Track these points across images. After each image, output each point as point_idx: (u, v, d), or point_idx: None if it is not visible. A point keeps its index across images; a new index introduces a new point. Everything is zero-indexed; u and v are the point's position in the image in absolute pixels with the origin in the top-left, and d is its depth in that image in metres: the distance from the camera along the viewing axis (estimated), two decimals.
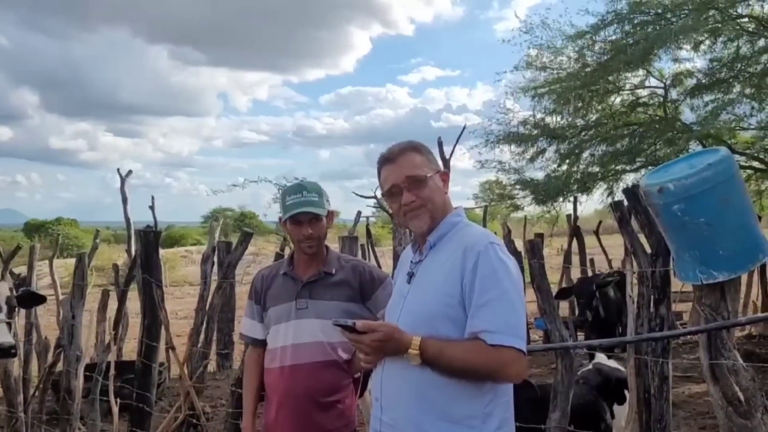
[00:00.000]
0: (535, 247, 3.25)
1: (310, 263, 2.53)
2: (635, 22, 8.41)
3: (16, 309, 4.60)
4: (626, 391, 3.66)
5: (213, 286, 4.90)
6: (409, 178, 1.94)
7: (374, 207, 7.96)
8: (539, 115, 9.67)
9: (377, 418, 1.97)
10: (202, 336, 4.62)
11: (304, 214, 2.45)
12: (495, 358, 1.76)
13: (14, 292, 4.58)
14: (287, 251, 7.07)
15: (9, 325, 4.37)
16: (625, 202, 3.20)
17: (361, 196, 6.03)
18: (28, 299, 4.82)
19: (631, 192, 3.09)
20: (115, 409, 4.55)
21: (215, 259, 5.49)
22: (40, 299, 4.96)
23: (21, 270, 7.41)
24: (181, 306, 14.82)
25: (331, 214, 2.56)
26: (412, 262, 2.04)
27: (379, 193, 6.00)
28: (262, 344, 2.59)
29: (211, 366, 6.20)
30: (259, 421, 2.65)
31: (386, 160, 2.01)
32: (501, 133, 9.78)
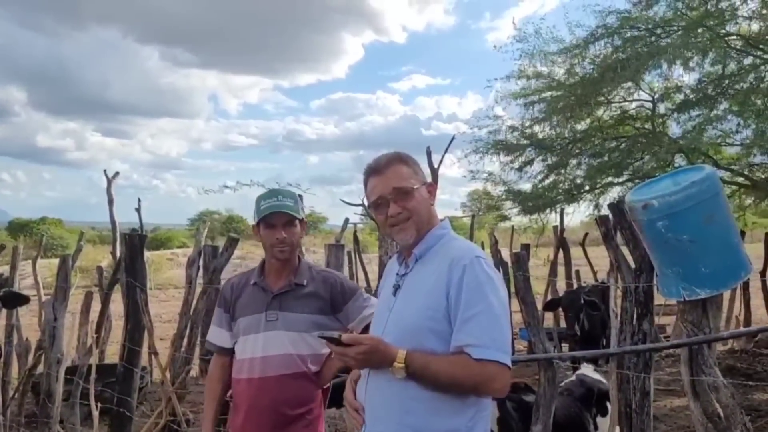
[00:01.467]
0: (520, 259, 3.26)
1: (281, 273, 2.50)
2: (626, 36, 8.49)
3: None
4: (608, 404, 3.68)
5: (198, 290, 4.86)
6: (396, 190, 1.94)
7: (362, 214, 7.96)
8: (528, 123, 9.73)
9: (361, 429, 1.97)
10: (185, 341, 4.59)
11: (278, 216, 2.42)
12: (480, 372, 1.76)
13: None
14: None
15: None
16: (611, 217, 3.22)
17: (349, 203, 6.02)
18: (11, 300, 4.77)
19: (616, 207, 3.12)
20: (96, 413, 4.50)
21: (201, 263, 5.45)
22: (23, 300, 4.90)
23: (3, 270, 7.33)
24: (165, 309, 14.70)
25: (304, 224, 2.54)
26: (397, 274, 2.04)
27: (366, 201, 5.99)
28: (227, 353, 2.56)
29: (194, 371, 6.14)
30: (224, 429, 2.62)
31: (373, 171, 2.00)
32: (490, 140, 9.81)
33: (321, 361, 2.48)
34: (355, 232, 10.93)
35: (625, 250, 3.20)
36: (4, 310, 4.96)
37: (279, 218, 2.43)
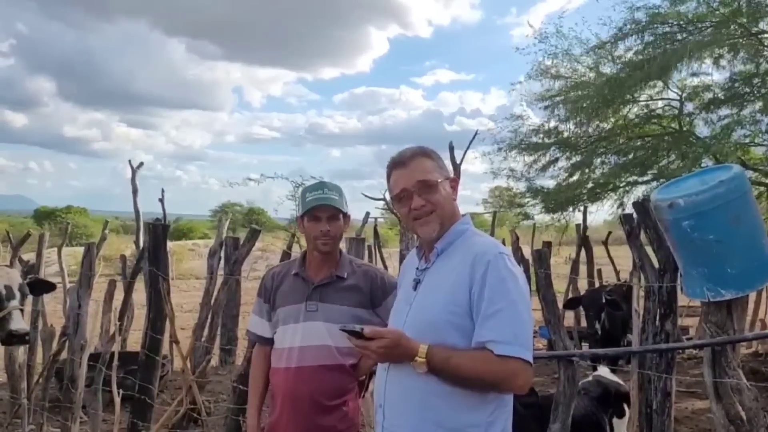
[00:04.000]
0: (542, 256, 3.24)
1: (323, 265, 2.52)
2: (656, 33, 8.35)
3: (28, 296, 4.64)
4: (625, 405, 3.64)
5: (219, 280, 4.91)
6: (420, 183, 1.93)
7: (383, 209, 7.94)
8: (552, 123, 9.64)
9: (380, 424, 1.97)
10: (206, 331, 4.64)
11: (323, 209, 2.44)
12: (502, 368, 1.76)
13: (24, 279, 4.62)
14: (295, 249, 7.07)
15: (22, 311, 4.42)
16: (635, 216, 3.18)
17: (371, 197, 6.02)
18: (39, 287, 4.85)
19: (641, 206, 3.08)
20: (117, 400, 4.56)
21: (222, 254, 5.50)
22: (50, 287, 4.99)
23: (29, 257, 7.46)
24: (186, 299, 14.85)
25: (347, 218, 2.55)
26: (418, 269, 2.03)
27: (388, 196, 6.00)
28: (268, 342, 2.59)
29: (214, 360, 6.22)
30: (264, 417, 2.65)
31: (397, 164, 2.00)
32: (513, 140, 9.73)
33: (358, 354, 2.49)
34: (375, 226, 10.93)
35: (648, 250, 3.16)
36: (31, 297, 5.04)
37: (324, 211, 2.44)
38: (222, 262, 5.30)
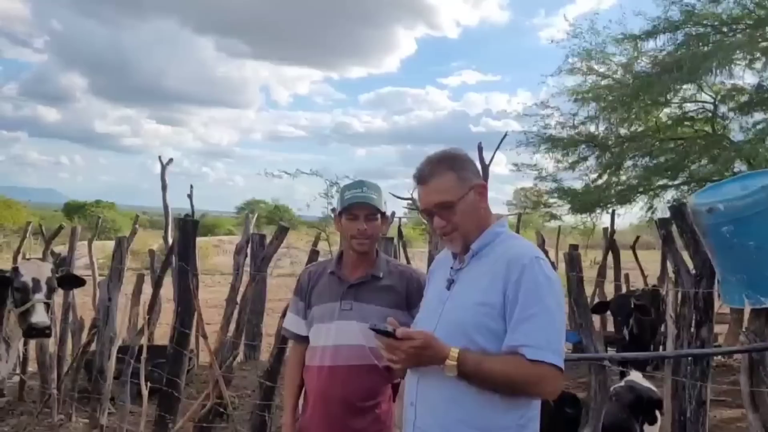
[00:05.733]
0: (573, 259, 3.20)
1: (359, 264, 2.50)
2: (691, 33, 8.20)
3: (56, 290, 4.72)
4: (658, 412, 3.58)
5: (245, 277, 4.94)
6: (438, 205, 1.93)
7: (409, 208, 7.91)
8: (581, 120, 9.49)
9: (411, 422, 1.97)
10: (233, 326, 4.67)
11: (361, 207, 2.42)
12: (534, 373, 1.75)
13: (55, 273, 4.69)
14: (322, 247, 7.07)
15: (47, 305, 4.48)
16: (671, 220, 3.13)
17: (399, 197, 6.01)
18: (69, 281, 4.93)
19: (678, 210, 3.02)
20: (145, 392, 4.62)
21: (248, 250, 5.53)
22: (80, 282, 5.06)
23: (60, 250, 7.58)
24: (211, 295, 14.96)
25: (385, 218, 2.54)
26: (452, 268, 2.02)
27: (416, 194, 5.99)
28: (304, 340, 2.57)
29: (239, 356, 6.24)
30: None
31: (418, 181, 1.99)
32: (541, 133, 9.60)
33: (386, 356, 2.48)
34: (399, 226, 10.90)
35: (684, 255, 3.10)
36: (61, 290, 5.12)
37: (362, 210, 2.42)
38: (248, 258, 5.33)
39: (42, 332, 4.43)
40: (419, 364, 1.84)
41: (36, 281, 4.43)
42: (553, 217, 10.35)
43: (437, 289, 2.04)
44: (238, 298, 4.82)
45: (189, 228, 4.42)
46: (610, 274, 9.12)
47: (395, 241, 9.70)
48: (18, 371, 6.16)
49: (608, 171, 9.60)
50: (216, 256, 23.76)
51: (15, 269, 4.54)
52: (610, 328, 7.02)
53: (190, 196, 7.25)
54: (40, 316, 4.35)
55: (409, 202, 6.37)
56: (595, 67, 9.50)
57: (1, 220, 24.14)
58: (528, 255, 1.85)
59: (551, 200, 10.22)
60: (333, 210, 2.64)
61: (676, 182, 9.07)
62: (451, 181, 1.93)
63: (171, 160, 8.29)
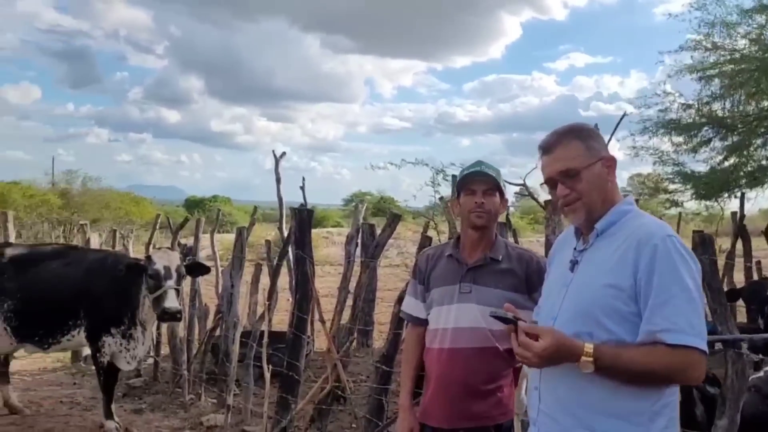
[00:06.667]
0: (705, 241, 2.99)
1: (477, 247, 2.48)
2: None
3: (184, 277, 5.04)
4: None
5: (355, 267, 5.05)
6: (563, 172, 1.86)
7: (521, 194, 7.73)
8: (705, 100, 8.83)
9: (535, 407, 1.92)
10: (348, 313, 4.77)
11: (479, 181, 2.42)
12: (676, 360, 1.67)
13: (183, 261, 5.02)
14: (433, 236, 7.05)
15: (177, 291, 4.80)
16: None
17: (511, 183, 5.89)
18: (196, 269, 5.26)
19: None
20: (267, 375, 4.83)
21: (359, 240, 5.63)
22: (205, 270, 5.38)
23: (184, 241, 8.07)
24: (322, 284, 15.36)
25: (504, 200, 2.51)
26: (575, 249, 1.95)
27: (528, 181, 5.84)
28: (422, 323, 2.59)
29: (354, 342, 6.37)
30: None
31: (542, 150, 1.93)
32: (660, 119, 9.04)
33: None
34: (507, 214, 10.69)
35: None
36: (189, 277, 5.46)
37: (479, 184, 2.42)
38: (358, 248, 5.43)
39: (174, 316, 4.75)
40: (552, 364, 1.77)
41: (167, 269, 4.76)
42: (674, 203, 9.73)
43: (559, 271, 1.98)
44: (351, 287, 4.92)
45: (305, 217, 4.56)
46: (739, 262, 8.49)
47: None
48: (152, 353, 6.63)
49: (736, 153, 8.89)
50: (325, 248, 24.39)
51: (148, 258, 4.89)
52: (741, 318, 6.55)
53: (302, 188, 7.47)
54: (172, 301, 4.67)
55: (521, 187, 6.24)
56: (720, 41, 8.80)
57: (131, 215, 26.11)
58: (660, 234, 1.75)
59: (672, 186, 9.61)
60: (441, 198, 2.64)
61: None
62: (577, 149, 1.87)
63: (284, 153, 8.59)
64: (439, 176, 8.14)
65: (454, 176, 4.47)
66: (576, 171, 1.84)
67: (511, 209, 11.71)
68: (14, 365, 6.22)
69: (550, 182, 1.90)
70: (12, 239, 7.08)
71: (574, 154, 1.86)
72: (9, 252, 5.41)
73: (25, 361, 7.18)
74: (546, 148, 1.91)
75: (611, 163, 1.90)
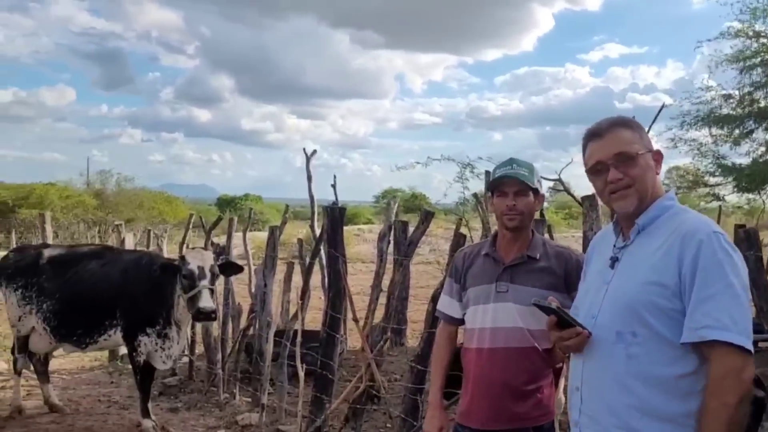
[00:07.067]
0: (750, 236, 2.88)
1: (513, 245, 2.45)
2: None
3: (218, 276, 5.06)
4: None
5: (388, 264, 5.00)
6: (618, 156, 1.81)
7: (555, 189, 7.61)
8: (747, 90, 8.55)
9: (576, 408, 1.88)
10: (381, 311, 4.74)
11: (510, 183, 2.38)
12: (716, 367, 1.62)
13: (216, 261, 5.03)
14: (467, 233, 6.97)
15: (211, 291, 4.82)
16: None
17: (546, 178, 5.79)
18: (229, 268, 5.27)
19: None
20: (301, 374, 4.82)
21: (391, 237, 5.59)
22: (239, 269, 5.39)
23: (216, 240, 8.10)
24: (353, 282, 15.38)
25: (539, 196, 2.46)
26: (615, 246, 1.90)
27: (563, 176, 5.73)
28: (456, 322, 2.58)
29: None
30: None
31: (593, 135, 1.90)
32: (699, 112, 8.79)
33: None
34: (541, 210, 10.54)
35: None
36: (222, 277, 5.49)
37: (510, 186, 2.39)
38: (391, 245, 5.39)
39: (208, 316, 4.77)
40: None
41: (201, 269, 4.77)
42: (715, 197, 9.46)
43: (599, 269, 1.93)
44: (383, 285, 4.88)
45: (337, 216, 4.54)
46: None
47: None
48: (187, 353, 6.69)
49: None
50: (356, 245, 24.43)
51: (182, 258, 4.92)
52: None
53: (334, 186, 7.46)
54: (206, 301, 4.69)
55: (555, 182, 6.14)
56: (762, 29, 8.50)
57: (164, 214, 26.55)
58: (704, 230, 1.70)
59: (712, 179, 9.34)
60: (474, 195, 2.60)
61: None
62: (630, 137, 1.85)
63: (315, 151, 8.59)
64: (467, 170, 8.04)
65: (488, 172, 4.40)
66: (632, 155, 1.81)
67: (545, 204, 11.51)
68: (53, 364, 6.34)
69: (601, 167, 1.85)
70: (50, 240, 7.22)
71: (630, 140, 1.84)
72: (47, 253, 5.52)
73: (64, 360, 7.33)
74: (597, 133, 1.89)
75: (659, 157, 1.89)
